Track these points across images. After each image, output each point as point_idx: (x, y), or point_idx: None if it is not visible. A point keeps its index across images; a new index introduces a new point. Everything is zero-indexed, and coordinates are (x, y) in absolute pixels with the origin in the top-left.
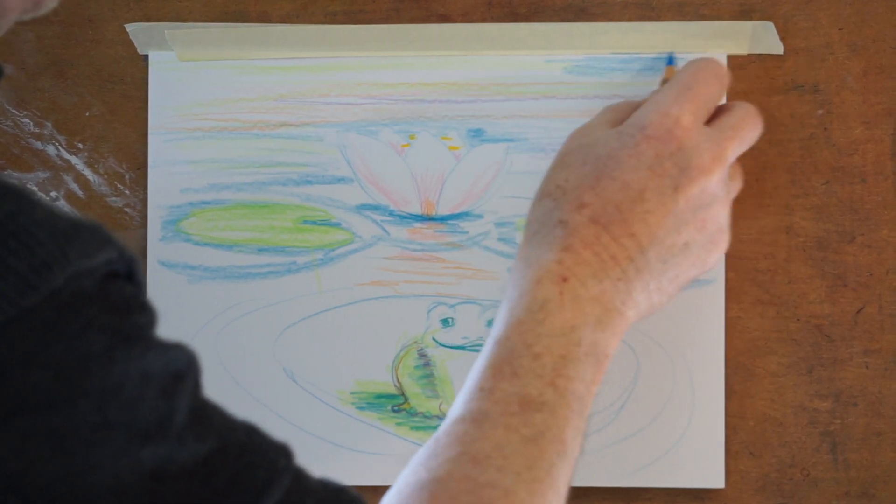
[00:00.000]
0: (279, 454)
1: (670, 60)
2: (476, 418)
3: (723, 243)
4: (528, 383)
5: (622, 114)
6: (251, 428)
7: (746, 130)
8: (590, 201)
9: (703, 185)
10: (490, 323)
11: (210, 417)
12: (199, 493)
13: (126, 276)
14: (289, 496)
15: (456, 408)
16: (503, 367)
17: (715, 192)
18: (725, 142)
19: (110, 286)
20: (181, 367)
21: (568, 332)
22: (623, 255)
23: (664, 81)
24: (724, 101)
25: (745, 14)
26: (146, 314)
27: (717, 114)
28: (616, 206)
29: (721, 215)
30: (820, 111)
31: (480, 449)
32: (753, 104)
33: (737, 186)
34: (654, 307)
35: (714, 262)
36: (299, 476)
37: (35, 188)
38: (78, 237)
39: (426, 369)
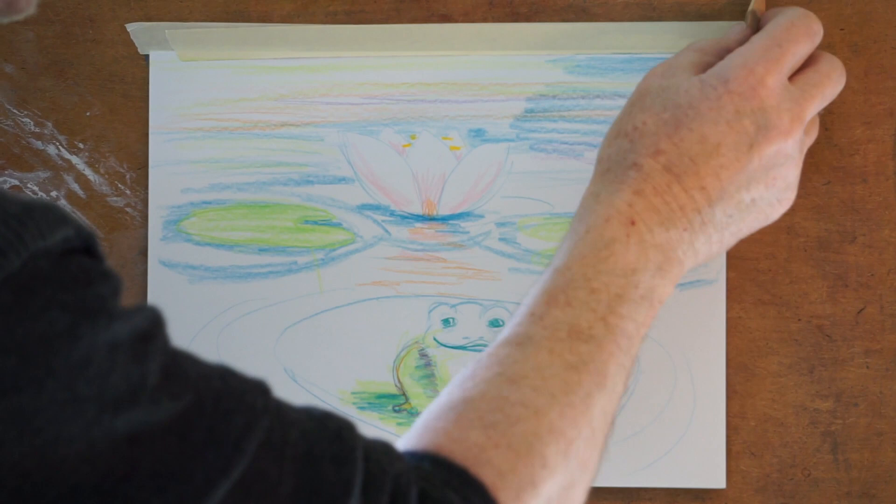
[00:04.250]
0: (256, 394)
1: None
2: (521, 342)
3: (788, 200)
4: (579, 315)
5: (707, 55)
6: (225, 371)
7: (829, 87)
8: (666, 149)
9: (779, 145)
10: (492, 323)
11: (183, 371)
12: (178, 450)
13: (84, 250)
14: (271, 435)
15: (504, 331)
16: (558, 295)
17: (789, 152)
18: (806, 102)
19: (69, 261)
20: (147, 326)
21: (629, 274)
22: (691, 206)
23: (751, 13)
24: None
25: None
26: (109, 283)
27: (802, 66)
28: (691, 158)
29: (791, 174)
30: (821, 111)
31: (519, 370)
32: None
33: (811, 139)
34: (712, 256)
35: (776, 217)
36: (279, 411)
37: (36, 188)
38: (31, 219)
39: (427, 369)
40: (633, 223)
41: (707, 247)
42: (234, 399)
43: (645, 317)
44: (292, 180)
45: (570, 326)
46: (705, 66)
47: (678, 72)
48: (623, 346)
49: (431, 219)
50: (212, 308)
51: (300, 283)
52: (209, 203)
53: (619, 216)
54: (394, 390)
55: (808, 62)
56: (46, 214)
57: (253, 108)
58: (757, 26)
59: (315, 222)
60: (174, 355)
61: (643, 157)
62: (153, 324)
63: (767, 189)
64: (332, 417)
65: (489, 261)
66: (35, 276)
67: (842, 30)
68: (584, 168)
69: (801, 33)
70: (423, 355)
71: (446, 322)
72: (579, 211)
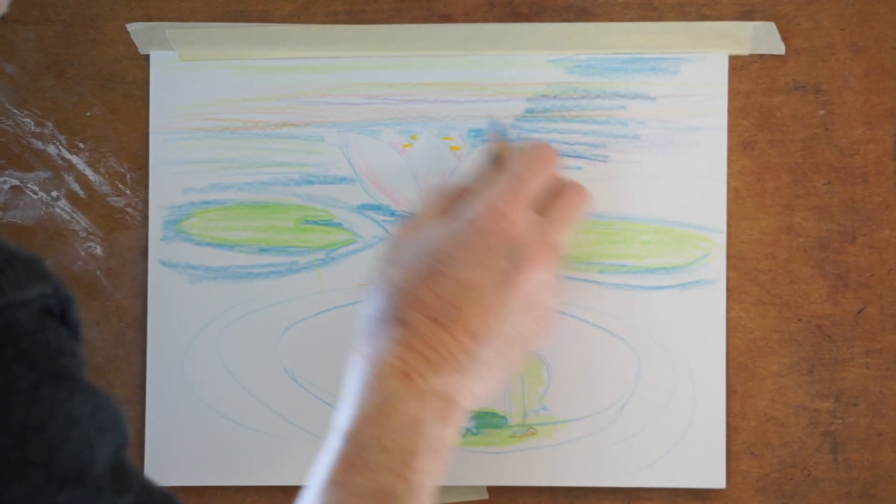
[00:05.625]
0: None
1: (495, 127)
2: None
3: (551, 325)
4: (380, 477)
5: (449, 199)
6: (168, 495)
7: (575, 213)
8: (427, 299)
9: (533, 275)
10: None
11: (130, 474)
12: None
13: (60, 315)
14: None
15: (308, 500)
16: (354, 460)
17: (544, 279)
18: (553, 230)
19: (45, 323)
20: (107, 421)
21: (413, 426)
22: (460, 350)
23: (489, 152)
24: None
25: (746, 14)
26: (76, 359)
27: (551, 196)
28: (452, 304)
29: (551, 300)
30: (821, 111)
31: None
32: (755, 105)
33: (563, 261)
34: (488, 393)
35: (540, 343)
36: None
37: (36, 188)
38: (11, 269)
39: None
40: (407, 375)
41: (481, 385)
42: None
43: (436, 468)
44: (293, 180)
45: (374, 491)
46: (450, 210)
47: (424, 221)
48: (423, 502)
49: None
50: (212, 308)
51: (301, 283)
52: (210, 203)
53: (393, 371)
54: None
55: (556, 191)
56: (28, 267)
57: (253, 108)
58: (499, 165)
59: (315, 222)
60: (124, 461)
61: (406, 311)
62: (113, 422)
63: (530, 318)
64: None
65: None
66: (10, 326)
67: (842, 30)
68: (585, 168)
69: (534, 162)
70: None
71: None
72: (351, 373)
